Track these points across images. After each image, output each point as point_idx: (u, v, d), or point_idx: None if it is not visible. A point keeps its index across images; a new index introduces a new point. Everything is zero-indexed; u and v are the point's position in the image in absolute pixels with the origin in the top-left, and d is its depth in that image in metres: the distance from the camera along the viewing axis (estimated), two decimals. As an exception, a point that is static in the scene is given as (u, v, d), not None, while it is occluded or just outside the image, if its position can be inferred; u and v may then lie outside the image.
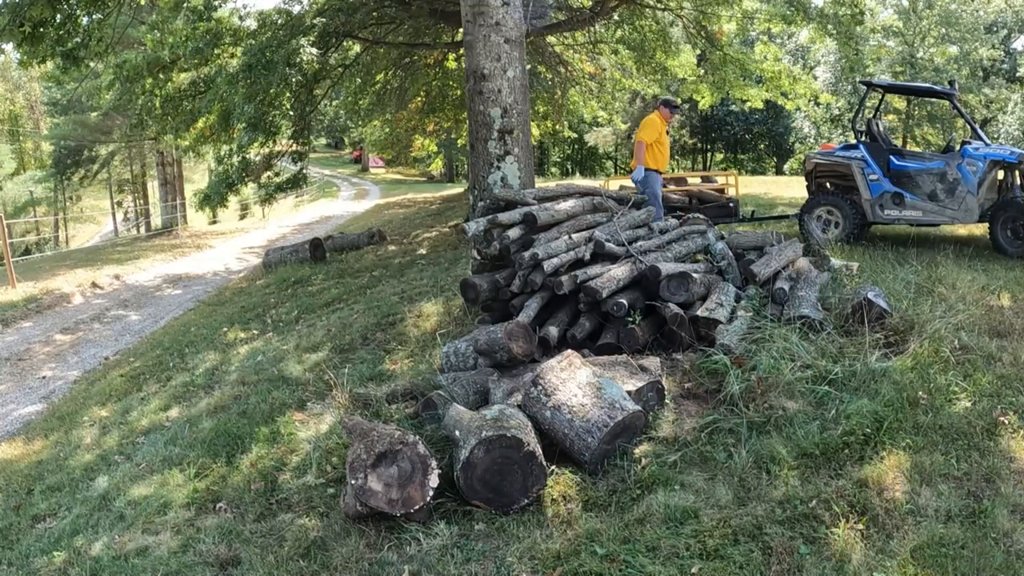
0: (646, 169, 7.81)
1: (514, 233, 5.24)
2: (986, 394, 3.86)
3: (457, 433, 3.58)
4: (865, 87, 8.93)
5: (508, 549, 3.06)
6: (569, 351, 4.03)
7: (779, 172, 40.02)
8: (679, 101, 8.72)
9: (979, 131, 7.88)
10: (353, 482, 3.25)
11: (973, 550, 2.79)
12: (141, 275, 14.21)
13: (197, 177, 37.13)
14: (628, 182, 11.32)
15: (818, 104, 23.91)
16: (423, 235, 14.20)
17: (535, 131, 19.16)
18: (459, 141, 24.66)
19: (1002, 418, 3.62)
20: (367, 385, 4.93)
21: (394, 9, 11.89)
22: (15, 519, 4.28)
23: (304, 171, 12.68)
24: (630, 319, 4.72)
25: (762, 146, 42.22)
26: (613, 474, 3.52)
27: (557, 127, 20.06)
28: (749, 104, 15.01)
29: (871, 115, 8.88)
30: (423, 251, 11.58)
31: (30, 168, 41.32)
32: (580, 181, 24.62)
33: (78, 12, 8.60)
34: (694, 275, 4.92)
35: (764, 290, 5.32)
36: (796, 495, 3.16)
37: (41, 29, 8.15)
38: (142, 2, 11.85)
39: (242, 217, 32.80)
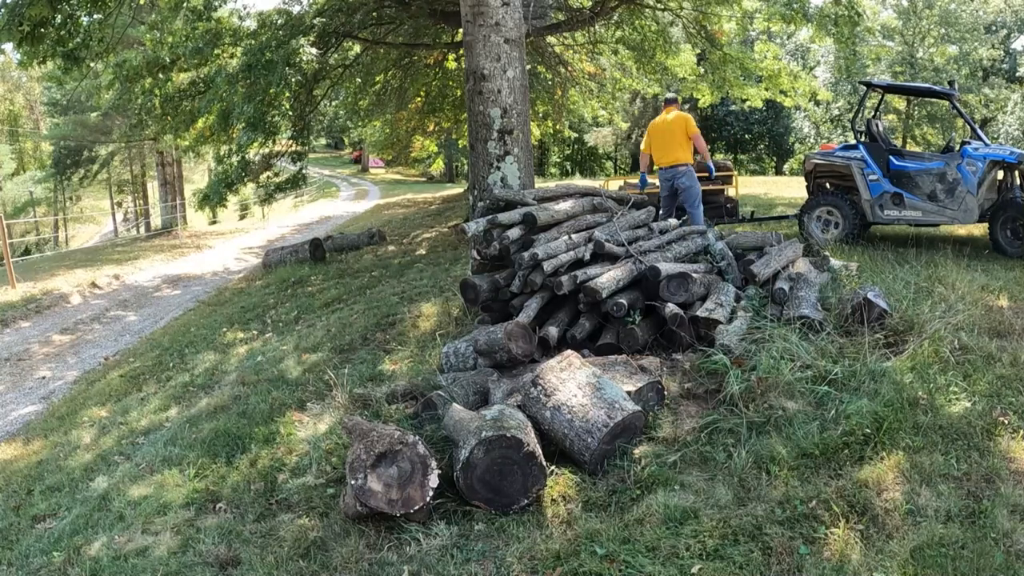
0: (691, 166, 7.83)
1: (514, 233, 5.24)
2: (986, 394, 3.85)
3: (457, 433, 3.58)
4: (865, 87, 8.94)
5: (508, 549, 3.06)
6: (569, 351, 4.03)
7: (779, 172, 40.04)
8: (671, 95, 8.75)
9: (979, 131, 7.88)
10: (353, 482, 3.25)
11: (973, 550, 2.78)
12: (140, 275, 14.20)
13: (197, 177, 37.16)
14: (628, 182, 11.31)
15: (818, 103, 23.93)
16: (423, 235, 14.20)
17: (535, 131, 19.17)
18: (459, 141, 24.66)
19: (1002, 418, 3.62)
20: (367, 385, 4.92)
21: (394, 9, 11.89)
22: (15, 519, 4.28)
23: (303, 171, 12.67)
24: (630, 319, 4.72)
25: (762, 146, 42.23)
26: (613, 474, 3.52)
27: (557, 127, 20.07)
28: (749, 103, 15.04)
29: (871, 115, 8.89)
30: (423, 251, 11.58)
31: (30, 168, 41.35)
32: (580, 181, 24.66)
33: (78, 12, 8.59)
34: (694, 275, 4.92)
35: (764, 290, 5.31)
36: (796, 495, 3.16)
37: (41, 29, 8.14)
38: (142, 2, 11.84)
39: (242, 217, 32.81)
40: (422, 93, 17.11)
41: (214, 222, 29.17)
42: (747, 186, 18.63)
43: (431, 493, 3.25)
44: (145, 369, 7.22)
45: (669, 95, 8.39)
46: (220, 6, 10.33)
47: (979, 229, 8.40)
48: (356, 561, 3.12)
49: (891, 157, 7.94)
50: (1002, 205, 7.45)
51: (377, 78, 15.49)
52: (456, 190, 28.64)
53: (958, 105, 8.08)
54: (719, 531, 2.99)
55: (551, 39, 14.39)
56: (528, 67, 9.88)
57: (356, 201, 33.29)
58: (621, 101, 23.77)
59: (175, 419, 5.35)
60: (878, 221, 7.99)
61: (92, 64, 10.22)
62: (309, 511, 3.54)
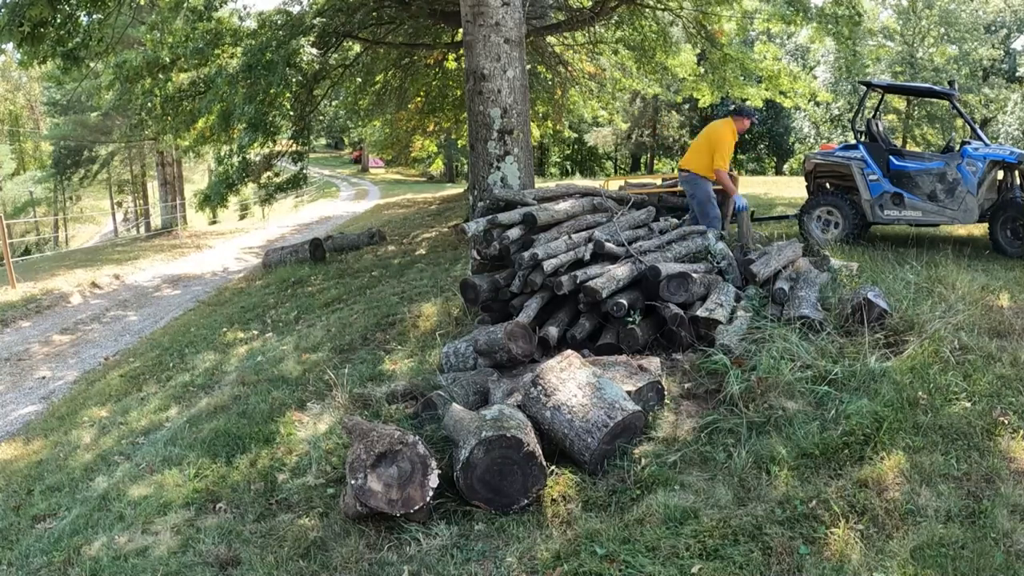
0: (700, 176, 6.98)
1: (514, 233, 5.24)
2: (986, 394, 3.85)
3: (457, 433, 3.58)
4: (865, 87, 8.93)
5: (508, 549, 3.06)
6: (569, 351, 4.03)
7: (779, 172, 40.06)
8: (754, 108, 7.22)
9: (979, 131, 7.87)
10: (353, 482, 3.25)
11: (973, 550, 2.78)
12: (140, 275, 14.20)
13: (197, 177, 37.19)
14: (629, 182, 11.28)
15: (817, 104, 23.95)
16: (423, 235, 14.20)
17: (535, 131, 19.17)
18: (459, 141, 24.66)
19: (1002, 418, 3.62)
20: (367, 385, 4.92)
21: (394, 9, 11.89)
22: (15, 519, 4.28)
23: (304, 171, 12.68)
24: (630, 319, 4.72)
25: (762, 146, 42.23)
26: (613, 474, 3.52)
27: (558, 127, 20.08)
28: (749, 103, 15.04)
29: (871, 115, 8.88)
30: (423, 251, 11.58)
31: (30, 168, 41.40)
32: (580, 181, 24.66)
33: (78, 12, 8.60)
34: (694, 275, 4.92)
35: (764, 290, 5.31)
36: (796, 495, 3.16)
37: (41, 29, 8.15)
38: (142, 2, 11.85)
39: (242, 217, 32.82)
40: (422, 93, 17.11)
41: (214, 222, 29.17)
42: (747, 186, 18.61)
43: (431, 493, 3.25)
44: (145, 369, 7.22)
45: (736, 108, 7.19)
46: (220, 6, 10.34)
47: (979, 229, 8.39)
48: (356, 561, 3.12)
49: (891, 157, 7.93)
50: (1002, 205, 7.45)
51: (377, 78, 15.49)
52: (456, 190, 28.65)
53: (958, 105, 8.08)
54: (719, 531, 2.99)
55: (551, 39, 14.39)
56: (528, 67, 9.88)
57: (356, 201, 33.29)
58: (621, 101, 23.79)
59: (175, 419, 5.35)
60: (878, 221, 7.99)
61: (92, 64, 10.24)
62: (309, 511, 3.54)
